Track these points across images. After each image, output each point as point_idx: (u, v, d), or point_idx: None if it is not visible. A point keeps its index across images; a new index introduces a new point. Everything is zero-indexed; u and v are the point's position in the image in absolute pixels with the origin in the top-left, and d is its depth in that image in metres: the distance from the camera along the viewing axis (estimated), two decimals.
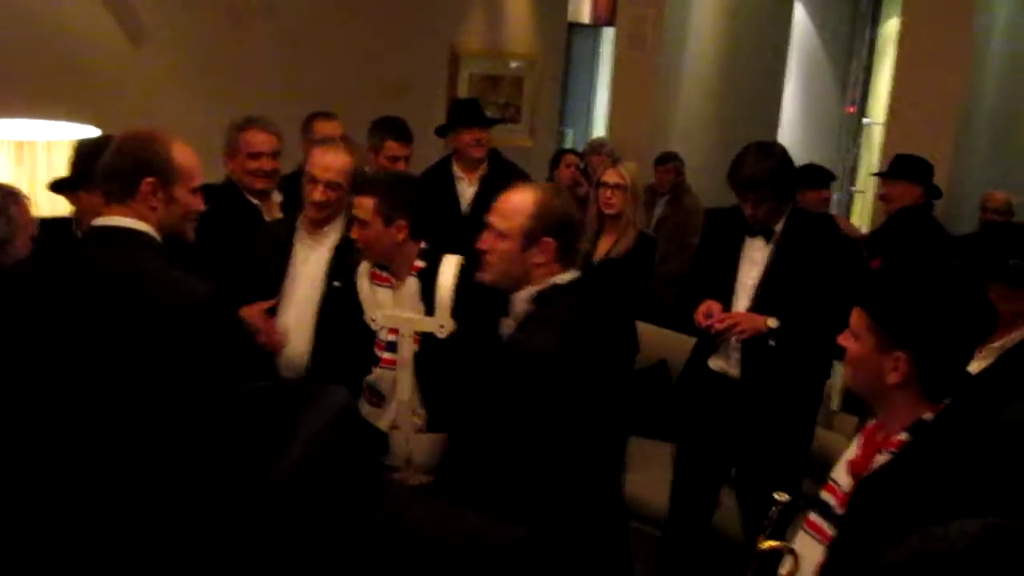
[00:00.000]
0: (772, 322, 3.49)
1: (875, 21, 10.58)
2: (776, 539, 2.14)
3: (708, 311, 3.58)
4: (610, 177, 4.13)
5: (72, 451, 2.14)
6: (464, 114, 4.94)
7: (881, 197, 5.35)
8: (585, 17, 10.92)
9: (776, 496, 2.17)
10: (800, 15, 9.45)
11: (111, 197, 2.39)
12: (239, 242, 3.54)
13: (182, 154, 2.45)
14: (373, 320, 3.24)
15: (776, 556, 2.17)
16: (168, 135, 2.47)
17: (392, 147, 4.60)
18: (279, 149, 3.95)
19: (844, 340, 2.11)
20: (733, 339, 3.58)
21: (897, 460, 1.97)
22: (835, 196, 8.25)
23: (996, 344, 2.50)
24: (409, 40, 7.16)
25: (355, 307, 3.29)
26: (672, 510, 3.93)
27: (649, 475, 4.36)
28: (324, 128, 4.60)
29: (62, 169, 3.61)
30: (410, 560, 1.00)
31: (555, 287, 2.55)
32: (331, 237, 3.52)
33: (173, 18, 5.85)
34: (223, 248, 3.37)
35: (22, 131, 3.70)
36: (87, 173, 3.18)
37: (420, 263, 3.18)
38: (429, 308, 3.15)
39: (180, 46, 5.91)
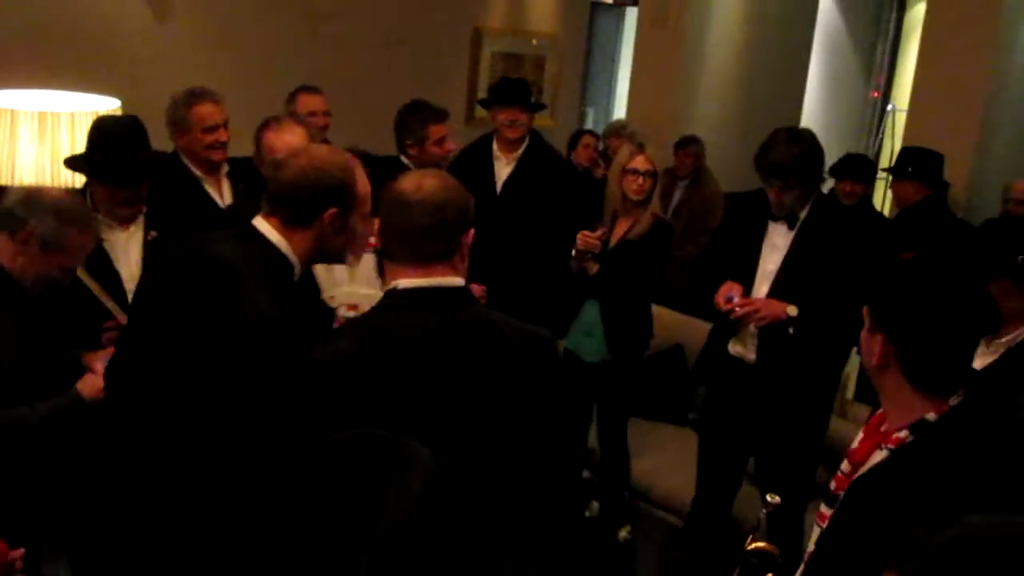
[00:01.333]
0: (792, 310, 3.49)
1: (902, 5, 10.48)
2: (765, 540, 2.13)
3: (728, 294, 3.58)
4: (640, 164, 4.10)
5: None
6: (504, 93, 4.86)
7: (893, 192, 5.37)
8: None
9: (768, 498, 2.16)
10: None
11: (282, 218, 2.29)
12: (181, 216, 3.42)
13: (363, 183, 2.35)
14: (332, 298, 3.20)
15: (766, 558, 2.16)
16: (353, 161, 2.37)
17: (438, 131, 4.32)
18: (227, 119, 3.90)
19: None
20: (752, 325, 3.58)
21: (892, 460, 1.91)
22: None
23: (1003, 340, 2.48)
24: (432, 17, 7.14)
25: (311, 286, 3.21)
26: (696, 499, 3.94)
27: (663, 460, 4.39)
28: (309, 102, 4.52)
29: (84, 140, 3.62)
30: None
31: (391, 291, 2.12)
32: None
33: None
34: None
35: (45, 102, 3.72)
36: (97, 163, 3.19)
37: (375, 239, 3.13)
38: None
39: (204, 21, 5.92)
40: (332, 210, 2.26)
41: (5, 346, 2.72)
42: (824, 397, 3.72)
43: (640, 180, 4.09)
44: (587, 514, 4.38)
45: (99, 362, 2.93)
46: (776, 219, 3.61)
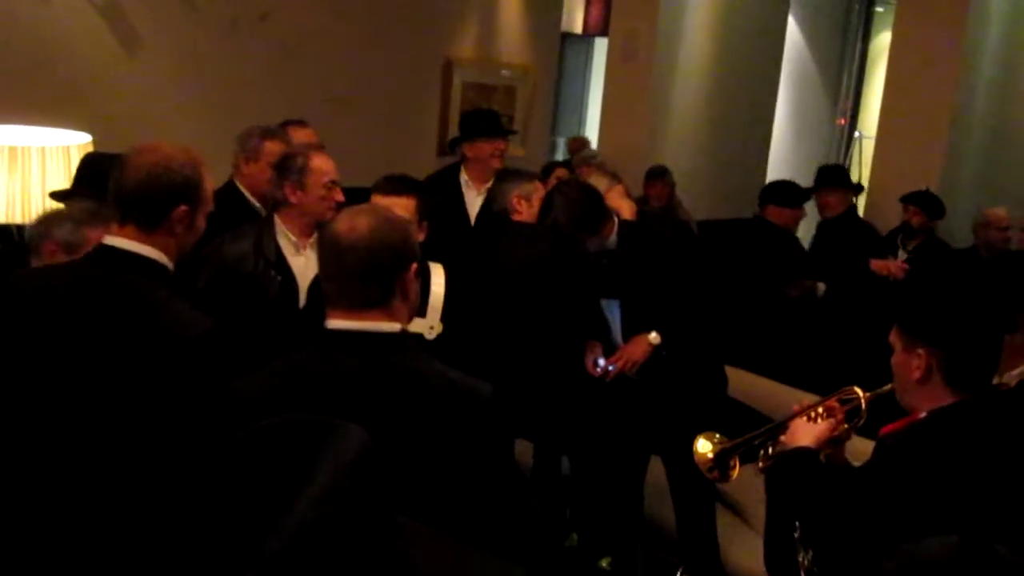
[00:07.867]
0: (653, 337, 3.56)
1: (866, 35, 10.63)
2: None
3: (595, 359, 3.66)
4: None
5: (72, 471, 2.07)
6: (484, 125, 4.88)
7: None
8: (578, 27, 10.95)
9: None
10: (792, 28, 9.49)
11: (136, 222, 2.20)
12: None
13: (209, 179, 2.32)
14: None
15: None
16: (199, 157, 2.31)
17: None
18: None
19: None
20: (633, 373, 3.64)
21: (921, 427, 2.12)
22: None
23: (1014, 373, 2.47)
24: (403, 48, 7.16)
25: (290, 297, 3.25)
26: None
27: (651, 490, 4.37)
28: (299, 135, 4.52)
29: (55, 174, 3.61)
30: None
31: (321, 331, 2.04)
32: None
33: (167, 26, 5.84)
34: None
35: (15, 137, 3.69)
36: (81, 188, 3.18)
37: None
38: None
39: (174, 53, 5.90)
40: (182, 207, 2.21)
41: None
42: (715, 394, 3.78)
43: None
44: (567, 544, 4.36)
45: None
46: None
